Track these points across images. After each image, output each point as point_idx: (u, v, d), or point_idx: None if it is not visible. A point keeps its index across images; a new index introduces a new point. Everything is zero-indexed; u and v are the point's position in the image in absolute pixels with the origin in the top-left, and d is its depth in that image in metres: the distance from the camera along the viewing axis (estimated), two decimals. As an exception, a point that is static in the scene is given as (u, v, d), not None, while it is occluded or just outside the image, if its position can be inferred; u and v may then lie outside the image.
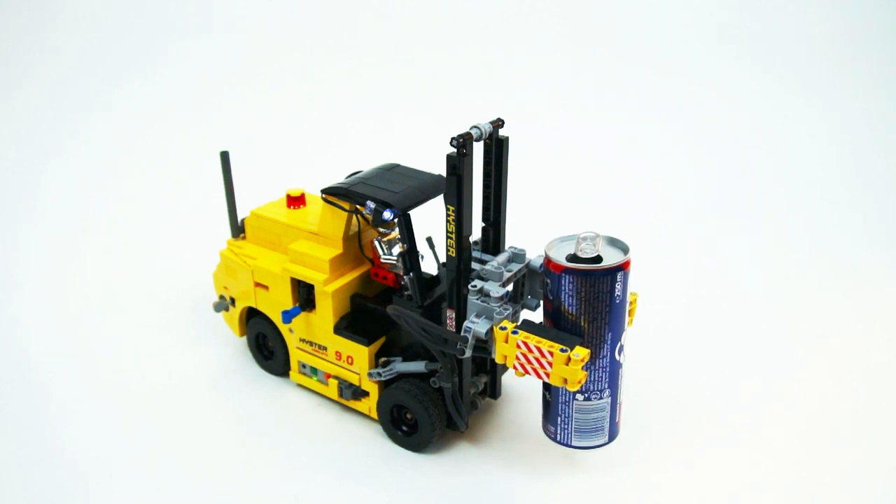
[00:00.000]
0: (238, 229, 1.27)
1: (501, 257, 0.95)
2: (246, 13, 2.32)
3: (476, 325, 0.90)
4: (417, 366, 1.05)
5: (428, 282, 1.09)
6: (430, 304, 1.03)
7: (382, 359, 1.10)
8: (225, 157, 1.21)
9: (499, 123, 0.94)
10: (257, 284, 1.19)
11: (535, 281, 0.99)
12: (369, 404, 1.12)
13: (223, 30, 2.30)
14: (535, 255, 0.98)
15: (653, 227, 1.74)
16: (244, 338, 1.32)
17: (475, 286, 0.91)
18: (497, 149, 0.95)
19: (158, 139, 2.11)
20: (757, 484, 1.02)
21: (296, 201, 1.21)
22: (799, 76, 2.24)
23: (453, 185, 0.90)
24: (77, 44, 2.23)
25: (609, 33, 2.33)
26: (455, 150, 0.88)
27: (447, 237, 0.93)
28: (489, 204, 0.99)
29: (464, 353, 0.91)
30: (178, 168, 2.01)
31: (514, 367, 0.87)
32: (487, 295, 0.91)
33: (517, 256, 0.97)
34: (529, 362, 0.85)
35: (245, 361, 1.29)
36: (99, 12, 2.26)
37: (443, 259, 1.06)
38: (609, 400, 0.91)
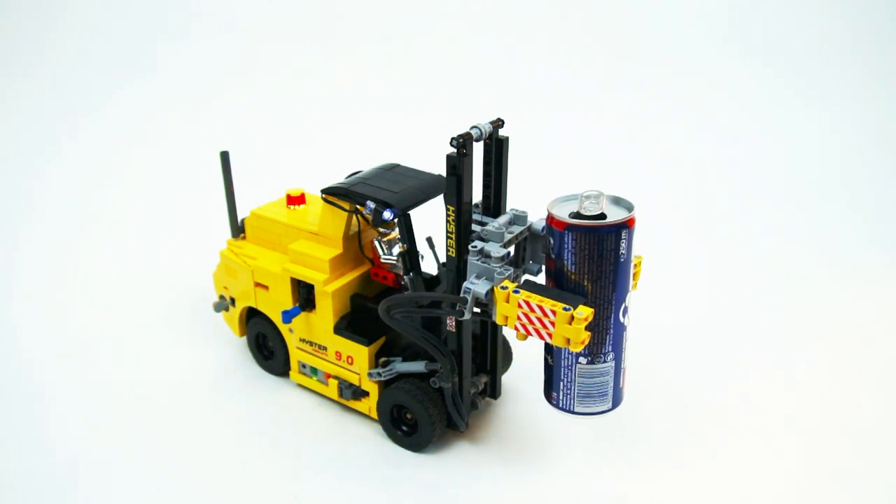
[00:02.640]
0: (238, 229, 1.27)
1: (503, 219, 0.93)
2: (246, 13, 2.32)
3: (476, 286, 0.87)
4: (417, 366, 1.05)
5: (428, 282, 1.09)
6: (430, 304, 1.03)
7: (382, 359, 1.10)
8: (225, 157, 1.21)
9: (499, 123, 0.94)
10: (257, 284, 1.19)
11: (536, 245, 0.97)
12: (369, 404, 1.12)
13: (223, 30, 2.29)
14: (536, 218, 0.96)
15: (653, 228, 1.74)
16: (244, 338, 1.32)
17: (475, 247, 0.89)
18: (497, 149, 0.95)
19: (158, 139, 2.10)
20: (757, 482, 1.02)
21: (296, 201, 1.21)
22: (800, 74, 2.24)
23: (453, 185, 0.90)
24: (76, 44, 2.23)
25: (609, 32, 2.33)
26: (455, 150, 0.88)
27: (447, 237, 0.93)
28: (489, 204, 0.99)
29: (463, 314, 0.88)
30: (178, 168, 2.01)
31: (516, 329, 0.84)
32: (488, 256, 0.88)
33: (518, 219, 0.95)
34: (531, 322, 0.82)
35: (245, 361, 1.29)
36: (98, 12, 2.26)
37: (443, 259, 1.06)
38: (613, 364, 0.87)
